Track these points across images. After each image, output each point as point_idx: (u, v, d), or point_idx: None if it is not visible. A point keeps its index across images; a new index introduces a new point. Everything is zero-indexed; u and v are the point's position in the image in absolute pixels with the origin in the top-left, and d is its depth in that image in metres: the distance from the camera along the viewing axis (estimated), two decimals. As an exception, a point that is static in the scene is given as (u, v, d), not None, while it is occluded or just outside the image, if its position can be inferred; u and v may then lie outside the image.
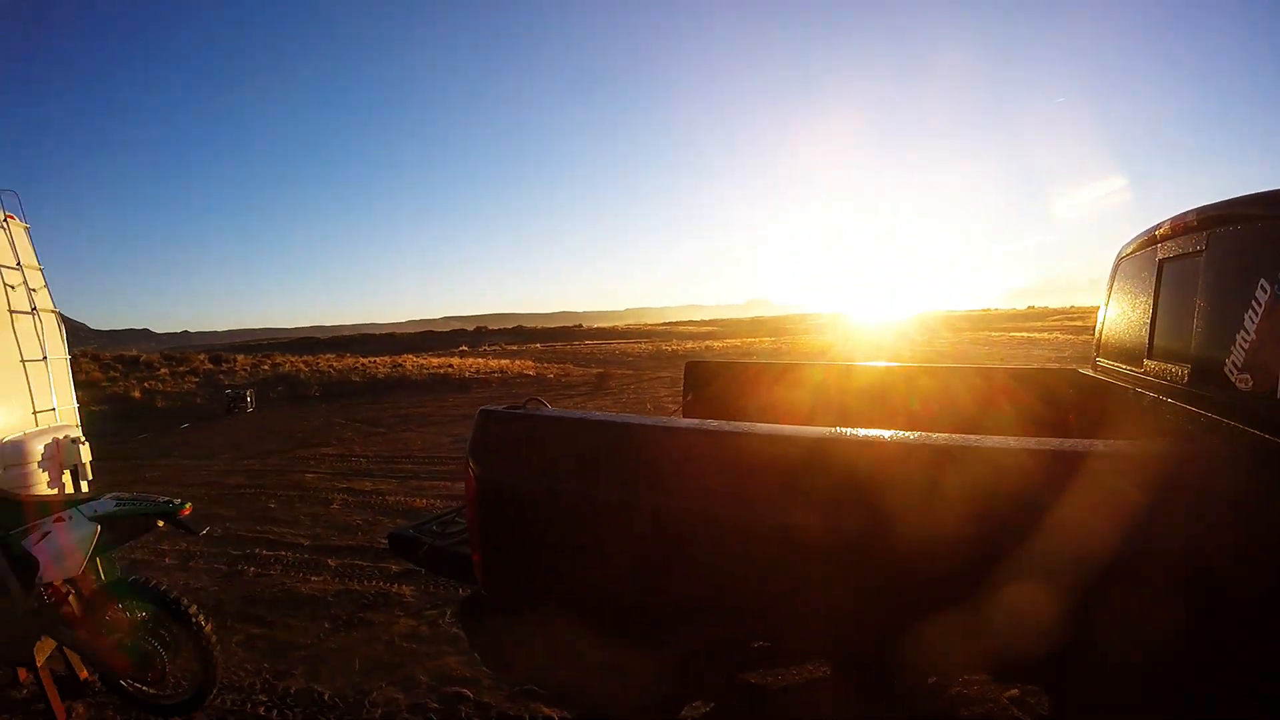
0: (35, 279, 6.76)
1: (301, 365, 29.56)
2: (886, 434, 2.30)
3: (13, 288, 6.35)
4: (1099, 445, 2.15)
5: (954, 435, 2.26)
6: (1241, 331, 2.36)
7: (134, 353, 34.65)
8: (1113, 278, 3.87)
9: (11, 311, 6.27)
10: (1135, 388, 3.27)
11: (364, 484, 9.63)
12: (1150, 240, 3.28)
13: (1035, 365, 5.44)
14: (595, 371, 24.40)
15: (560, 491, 2.55)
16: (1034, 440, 2.23)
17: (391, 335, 68.24)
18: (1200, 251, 2.70)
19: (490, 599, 2.75)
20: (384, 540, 6.99)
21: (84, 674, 4.51)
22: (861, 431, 2.37)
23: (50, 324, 6.78)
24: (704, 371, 5.23)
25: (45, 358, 6.57)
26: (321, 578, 6.16)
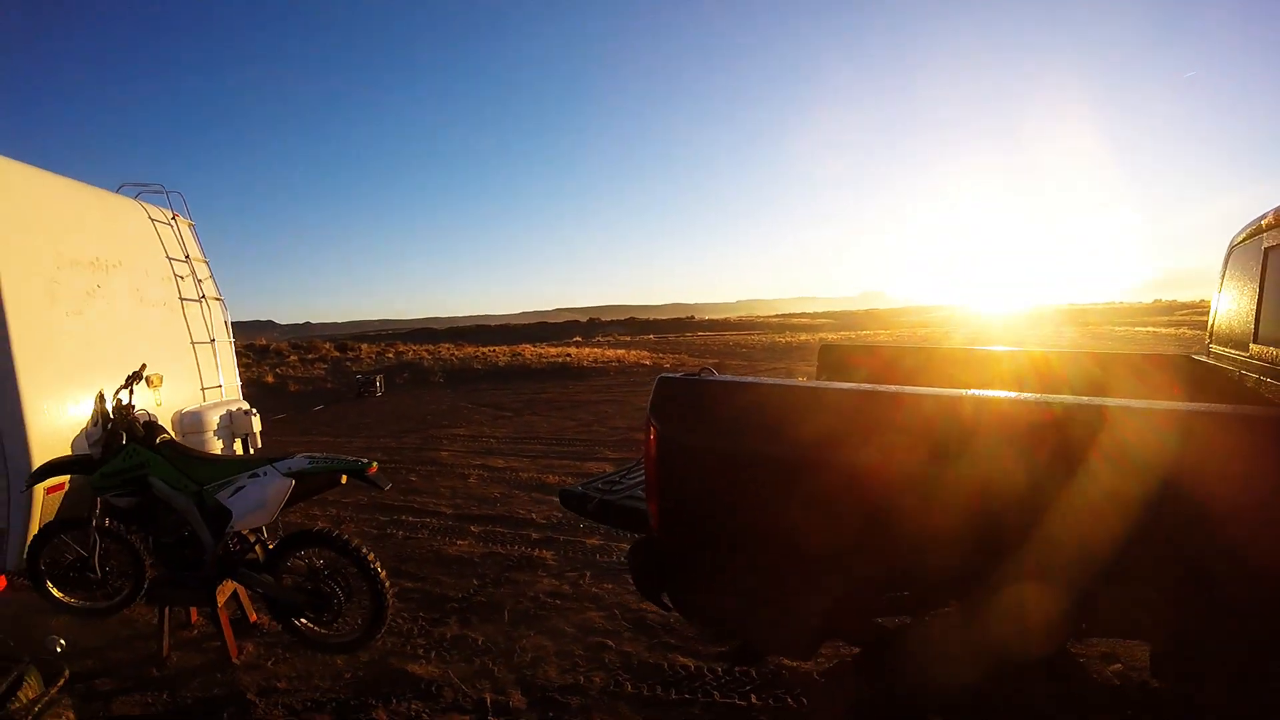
0: (202, 270, 7.44)
1: (424, 353, 30.71)
2: (1043, 398, 2.42)
3: (182, 278, 7.02)
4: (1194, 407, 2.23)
5: (1105, 400, 2.38)
6: None
7: (262, 341, 36.70)
8: (1224, 266, 3.93)
9: (182, 299, 6.95)
10: (1241, 371, 3.32)
11: (496, 461, 10.07)
12: (1257, 230, 3.33)
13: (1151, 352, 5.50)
14: (711, 362, 24.44)
15: (731, 446, 2.77)
16: (1162, 403, 2.33)
17: (506, 326, 70.15)
18: None
19: (661, 542, 2.97)
20: (523, 510, 7.37)
21: (253, 617, 4.98)
22: (1013, 395, 2.50)
23: (216, 310, 7.44)
24: (837, 353, 5.39)
25: (213, 340, 7.23)
26: (466, 541, 6.55)
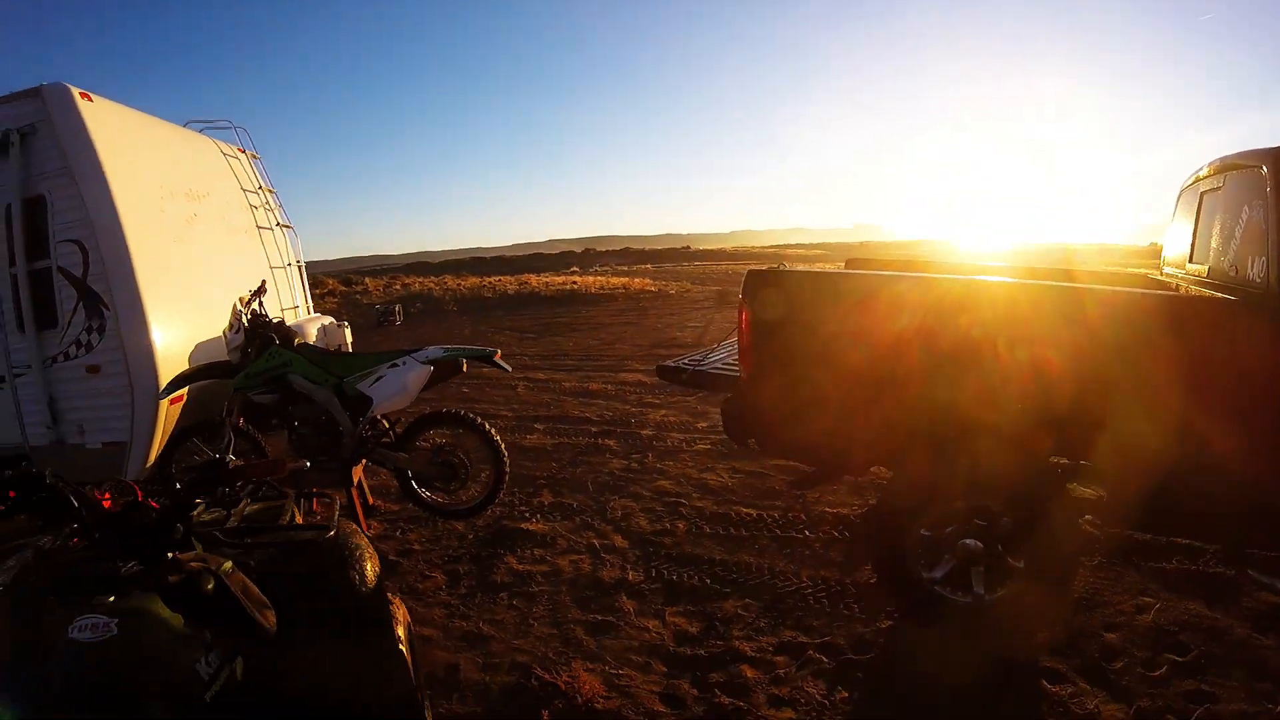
0: (271, 200, 8.12)
1: (430, 284, 31.37)
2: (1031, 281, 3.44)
3: (256, 208, 7.66)
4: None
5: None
6: (1234, 240, 3.59)
7: (265, 278, 36.96)
8: (1175, 206, 5.00)
9: (259, 227, 7.60)
10: (1179, 282, 4.51)
11: (537, 375, 11.04)
12: (1197, 179, 4.44)
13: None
14: (714, 289, 25.40)
15: (804, 319, 3.78)
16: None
17: (501, 257, 70.49)
18: (1220, 188, 3.93)
19: (750, 395, 3.96)
20: (576, 411, 8.38)
21: (371, 500, 5.89)
22: (1009, 279, 3.51)
23: (287, 238, 8.12)
24: (862, 266, 6.31)
25: (288, 264, 7.97)
26: (535, 436, 7.56)
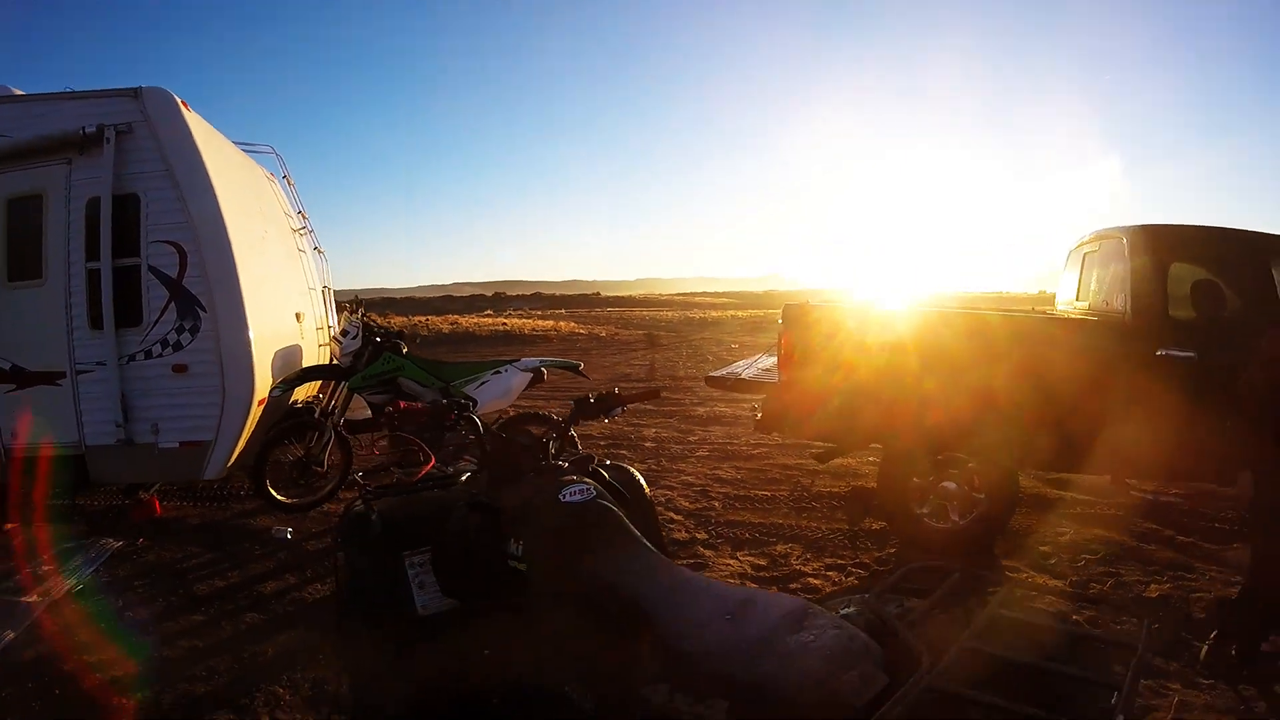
0: (306, 225, 8.16)
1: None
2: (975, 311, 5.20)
3: (296, 231, 7.80)
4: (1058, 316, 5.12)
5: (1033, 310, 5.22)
6: (1105, 284, 5.51)
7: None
8: (1065, 263, 7.02)
9: (300, 251, 7.76)
10: (1068, 315, 6.40)
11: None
12: (1080, 244, 6.46)
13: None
14: (640, 333, 26.95)
15: (828, 339, 5.35)
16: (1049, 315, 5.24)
17: (411, 299, 70.25)
18: (1097, 250, 5.91)
19: (786, 395, 5.49)
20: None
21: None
22: (965, 310, 5.28)
23: (319, 260, 8.25)
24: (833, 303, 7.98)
25: (323, 286, 8.17)
26: (557, 448, 8.88)
